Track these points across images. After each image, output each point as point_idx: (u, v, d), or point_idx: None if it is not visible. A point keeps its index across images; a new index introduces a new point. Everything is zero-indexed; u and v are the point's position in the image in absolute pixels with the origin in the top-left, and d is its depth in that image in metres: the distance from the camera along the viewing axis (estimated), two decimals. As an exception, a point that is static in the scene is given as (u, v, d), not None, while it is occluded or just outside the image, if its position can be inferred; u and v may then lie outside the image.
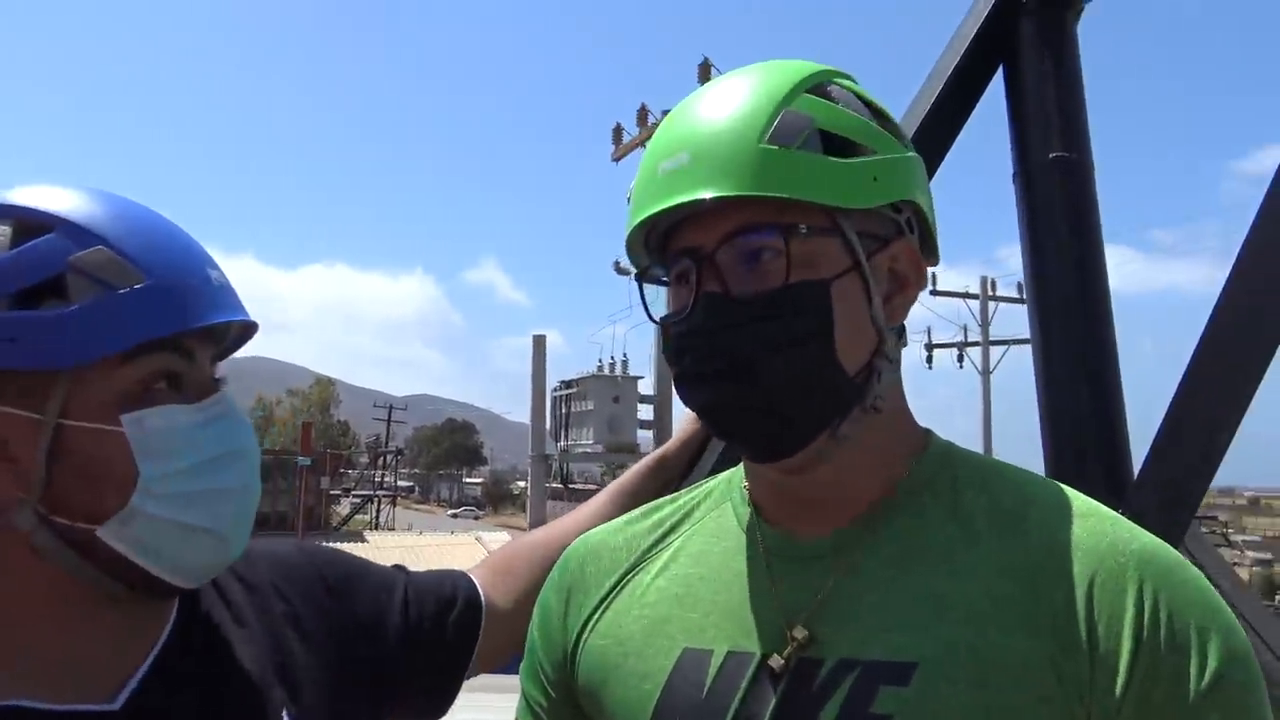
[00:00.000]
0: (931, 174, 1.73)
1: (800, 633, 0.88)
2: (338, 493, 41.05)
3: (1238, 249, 1.42)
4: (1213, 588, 0.86)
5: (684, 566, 0.99)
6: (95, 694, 0.87)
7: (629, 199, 0.97)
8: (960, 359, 30.00)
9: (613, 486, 1.42)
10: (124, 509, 0.85)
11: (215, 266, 0.93)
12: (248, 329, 0.98)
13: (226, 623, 0.99)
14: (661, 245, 0.95)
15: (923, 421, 1.03)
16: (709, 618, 0.94)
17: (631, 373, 18.19)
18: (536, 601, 1.10)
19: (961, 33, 1.69)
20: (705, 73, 15.77)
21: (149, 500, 0.85)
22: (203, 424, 0.88)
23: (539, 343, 15.02)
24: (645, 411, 17.61)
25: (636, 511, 1.10)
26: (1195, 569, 0.87)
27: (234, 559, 0.94)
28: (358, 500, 44.23)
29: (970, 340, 29.91)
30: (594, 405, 17.56)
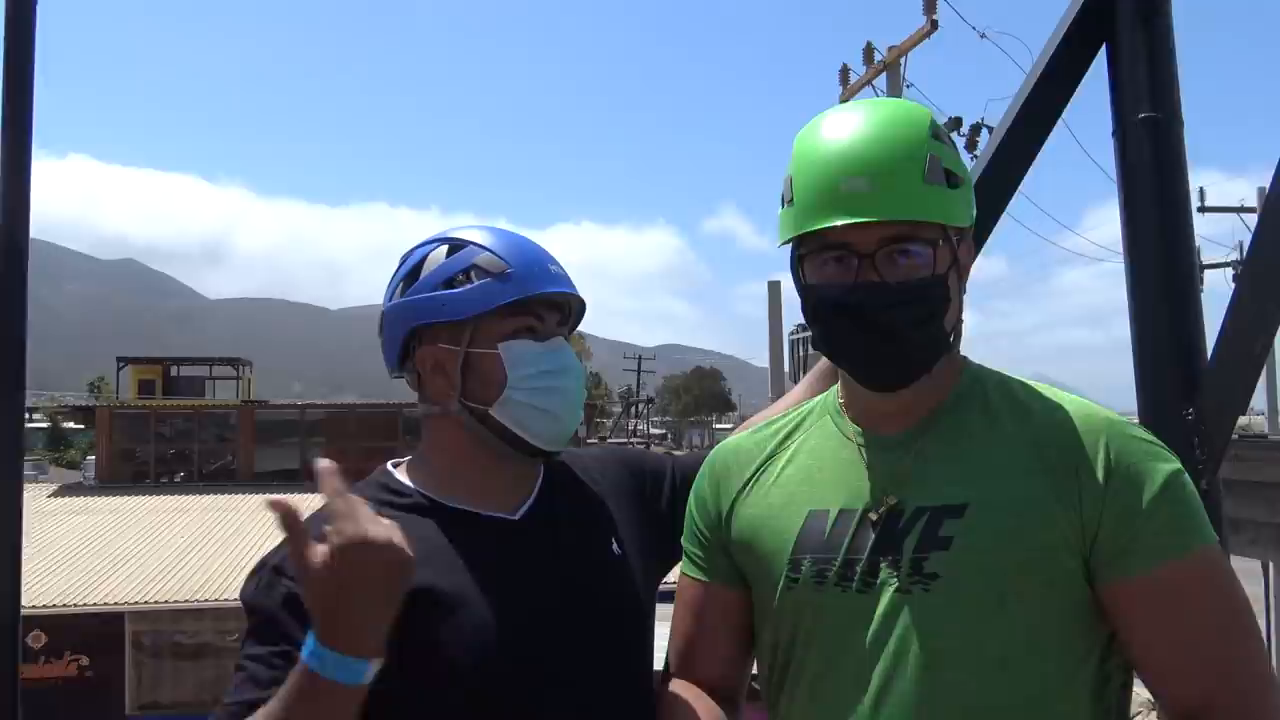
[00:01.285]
0: (1047, 132, 2.08)
1: (891, 498, 1.30)
2: (594, 441, 43.17)
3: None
4: (1159, 441, 1.28)
5: (804, 459, 1.43)
6: (503, 510, 1.49)
7: (791, 198, 1.30)
8: (1236, 279, 27.51)
9: (805, 381, 1.89)
10: (501, 396, 1.46)
11: (555, 262, 1.52)
12: (582, 304, 1.56)
13: (571, 484, 1.59)
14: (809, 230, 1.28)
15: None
16: (825, 489, 1.37)
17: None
18: (692, 486, 1.55)
19: (1066, 13, 2.01)
20: (931, 3, 15.36)
21: (515, 392, 1.45)
22: (544, 352, 1.48)
23: (774, 289, 15.39)
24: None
25: (760, 424, 1.55)
26: (1148, 432, 1.30)
27: (570, 433, 1.52)
28: (614, 447, 46.00)
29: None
30: (831, 347, 17.80)
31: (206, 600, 15.48)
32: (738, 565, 1.46)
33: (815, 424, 1.47)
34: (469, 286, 1.46)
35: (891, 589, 1.27)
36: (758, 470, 1.47)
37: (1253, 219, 26.78)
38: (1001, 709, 1.22)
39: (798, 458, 1.44)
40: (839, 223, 1.24)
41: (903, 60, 16.85)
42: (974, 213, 1.34)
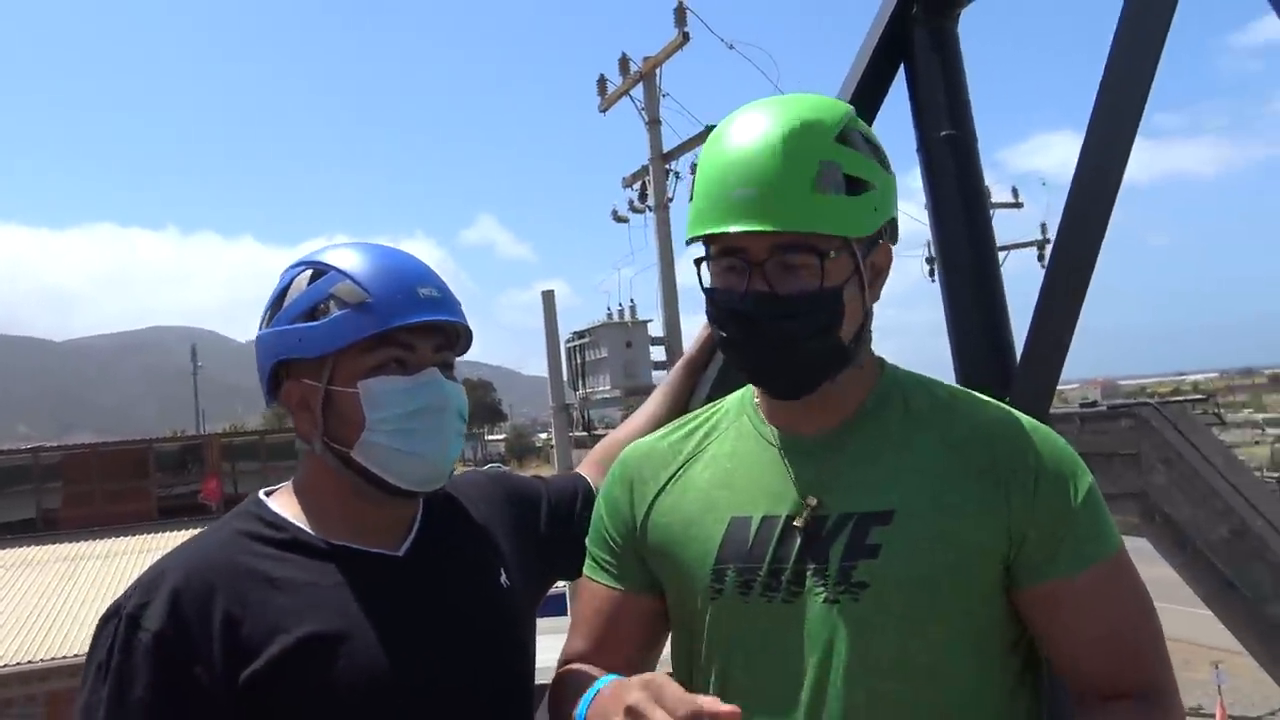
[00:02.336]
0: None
1: (812, 500, 1.29)
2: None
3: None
4: (1070, 447, 1.32)
5: (721, 463, 1.40)
6: (386, 546, 1.41)
7: (692, 196, 1.30)
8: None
9: (660, 388, 1.93)
10: (360, 439, 1.36)
11: (430, 283, 1.40)
12: (467, 328, 1.45)
13: (453, 517, 1.53)
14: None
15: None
16: (746, 494, 1.34)
17: (640, 316, 18.71)
18: (600, 491, 1.52)
19: (866, 42, 2.18)
20: (681, 16, 15.94)
21: (373, 434, 1.35)
22: (412, 388, 1.36)
23: (548, 298, 15.39)
24: (657, 353, 18.18)
25: (670, 425, 1.52)
26: (1059, 436, 1.33)
27: (445, 474, 1.42)
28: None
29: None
30: (607, 352, 18.19)
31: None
32: (653, 573, 1.43)
33: (732, 425, 1.44)
34: (327, 319, 1.35)
35: (819, 599, 1.26)
36: (674, 474, 1.44)
37: (1006, 213, 29.55)
38: (933, 717, 1.23)
39: (715, 461, 1.41)
40: (726, 229, 1.24)
41: (658, 71, 17.39)
42: (887, 215, 1.30)
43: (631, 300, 19.10)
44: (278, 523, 1.40)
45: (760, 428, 1.40)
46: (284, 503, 1.44)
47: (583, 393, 18.50)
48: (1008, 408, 1.37)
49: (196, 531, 1.50)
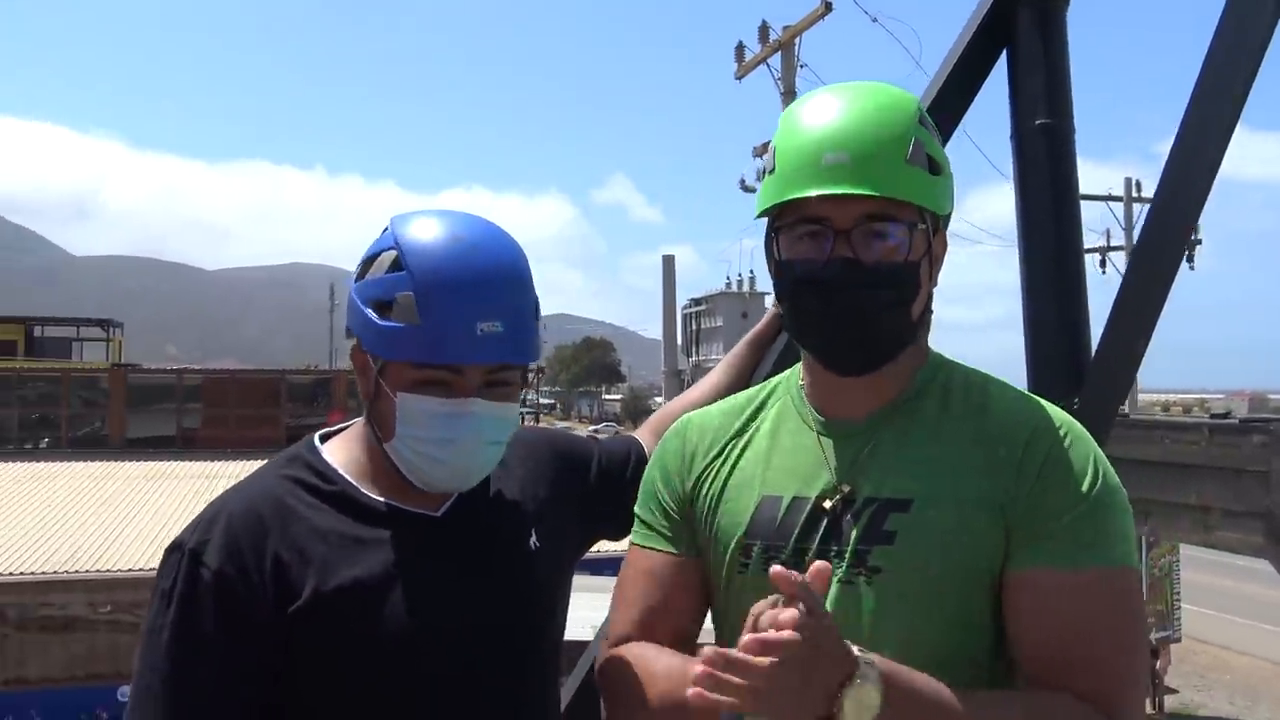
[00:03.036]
0: (949, 135, 2.18)
1: (845, 487, 1.32)
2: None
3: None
4: (1103, 456, 1.29)
5: (762, 440, 1.43)
6: (427, 505, 1.45)
7: (773, 167, 1.31)
8: (1103, 264, 28.90)
9: (724, 361, 1.98)
10: (392, 440, 1.41)
11: (494, 317, 1.36)
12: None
13: (493, 478, 1.53)
14: (785, 204, 1.29)
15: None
16: (780, 474, 1.38)
17: (758, 288, 18.62)
18: (654, 456, 1.55)
19: (970, 19, 2.12)
20: (826, -15, 15.63)
21: (400, 447, 1.40)
22: (446, 415, 1.38)
23: (668, 263, 15.46)
24: (774, 326, 18.08)
25: (728, 400, 1.56)
26: (1095, 443, 1.31)
27: (469, 484, 1.45)
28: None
29: (1114, 245, 28.84)
30: (723, 321, 18.24)
31: (76, 571, 14.85)
32: (699, 540, 1.46)
33: (776, 405, 1.47)
34: (386, 325, 1.37)
35: (835, 580, 1.27)
36: (722, 448, 1.47)
37: (1118, 207, 28.22)
38: None
39: (756, 439, 1.45)
40: (818, 192, 1.25)
41: (797, 40, 17.11)
42: (952, 204, 1.34)
43: (751, 271, 19.06)
44: (327, 474, 1.45)
45: (802, 409, 1.43)
46: (338, 449, 1.50)
47: (695, 359, 18.58)
48: (1049, 405, 1.35)
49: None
